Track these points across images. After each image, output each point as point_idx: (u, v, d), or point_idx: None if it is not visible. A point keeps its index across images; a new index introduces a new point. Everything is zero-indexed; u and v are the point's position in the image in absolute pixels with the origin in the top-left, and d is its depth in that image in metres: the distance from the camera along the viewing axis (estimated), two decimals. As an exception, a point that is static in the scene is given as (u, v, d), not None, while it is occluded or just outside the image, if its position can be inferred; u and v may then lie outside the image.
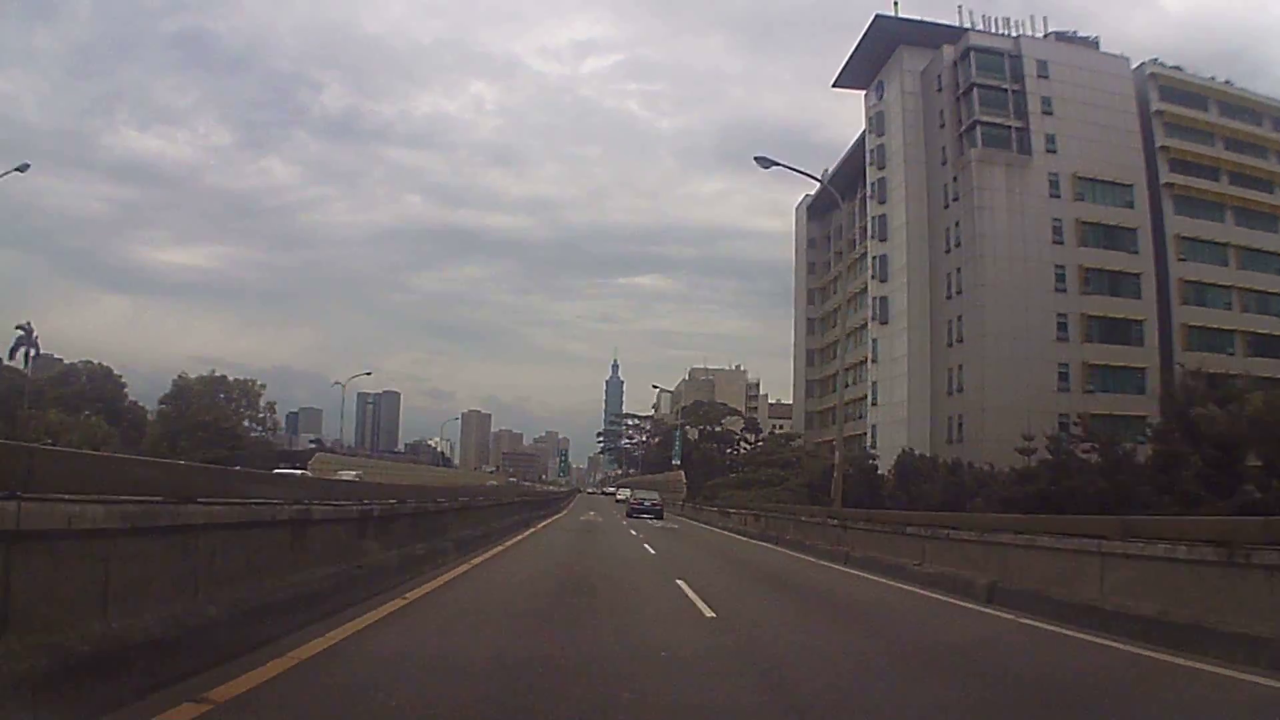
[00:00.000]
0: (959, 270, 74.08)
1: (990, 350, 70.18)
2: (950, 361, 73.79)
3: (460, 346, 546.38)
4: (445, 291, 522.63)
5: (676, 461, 67.56)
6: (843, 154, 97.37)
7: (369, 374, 77.53)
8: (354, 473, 43.74)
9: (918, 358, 75.85)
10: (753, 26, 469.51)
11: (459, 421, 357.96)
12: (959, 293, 73.66)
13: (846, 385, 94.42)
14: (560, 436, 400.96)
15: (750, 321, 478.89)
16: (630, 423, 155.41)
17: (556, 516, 44.25)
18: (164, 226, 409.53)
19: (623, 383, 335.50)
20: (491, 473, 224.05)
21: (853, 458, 58.30)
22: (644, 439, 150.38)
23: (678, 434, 71.04)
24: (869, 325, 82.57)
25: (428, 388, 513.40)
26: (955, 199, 75.65)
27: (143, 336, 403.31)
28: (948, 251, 75.85)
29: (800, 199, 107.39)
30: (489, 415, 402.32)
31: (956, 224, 75.05)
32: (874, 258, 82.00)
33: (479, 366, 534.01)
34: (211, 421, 65.03)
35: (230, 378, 74.08)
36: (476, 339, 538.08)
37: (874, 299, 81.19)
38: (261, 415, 74.28)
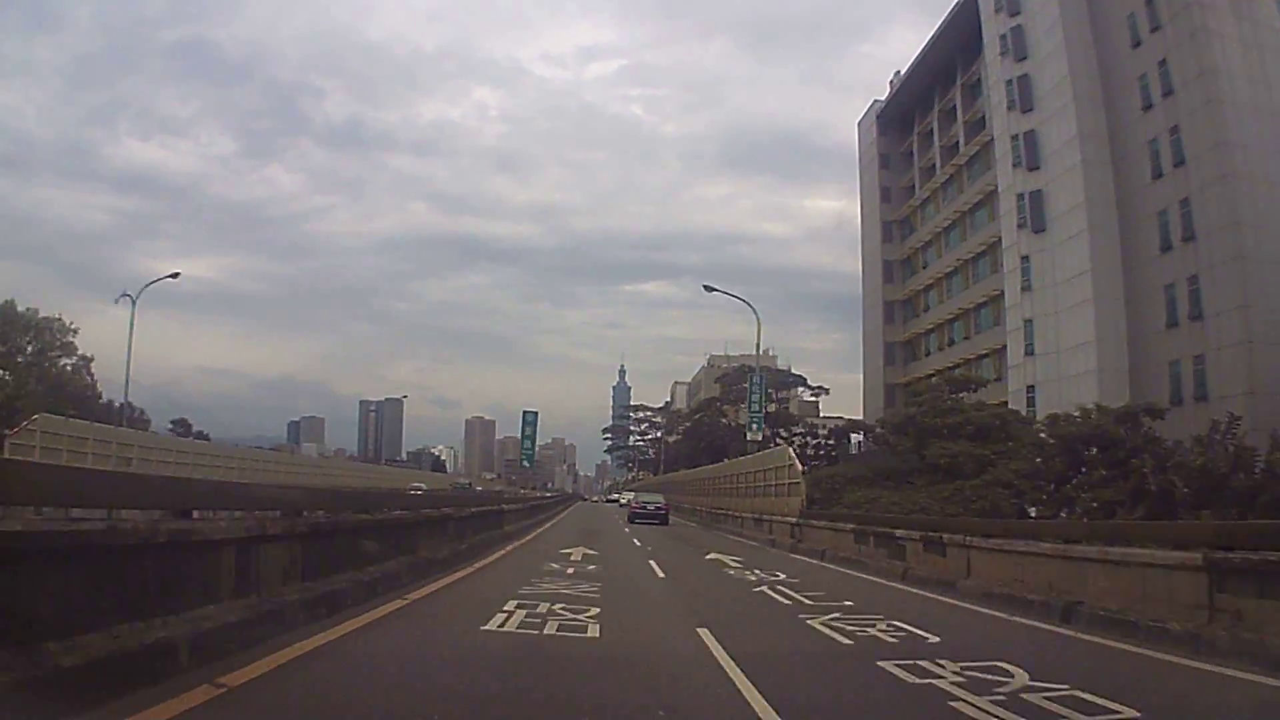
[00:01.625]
0: (1173, 131, 43.67)
1: (1250, 248, 39.74)
2: (1166, 275, 43.23)
3: (466, 355, 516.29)
4: (451, 300, 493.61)
5: (757, 432, 35.36)
6: (917, 53, 67.22)
7: (176, 275, 48.88)
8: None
9: (1105, 276, 45.26)
10: (756, 30, 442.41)
11: (461, 428, 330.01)
12: (1178, 165, 43.19)
13: (947, 342, 63.97)
14: (567, 443, 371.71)
15: (757, 328, 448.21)
16: (641, 415, 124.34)
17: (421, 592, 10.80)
18: (167, 237, 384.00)
19: (630, 389, 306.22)
20: (492, 479, 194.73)
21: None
22: (658, 435, 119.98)
23: (756, 382, 37.97)
24: (1008, 240, 51.93)
25: (433, 396, 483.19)
26: (1155, 29, 45.31)
27: (147, 348, 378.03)
28: (1147, 108, 45.44)
29: (867, 108, 77.10)
30: (493, 422, 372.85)
31: (1161, 63, 44.69)
32: (1014, 137, 51.48)
33: (485, 375, 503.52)
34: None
35: (22, 307, 44.51)
36: (482, 347, 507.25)
37: (1019, 197, 50.55)
38: (63, 367, 44.45)
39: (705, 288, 36.83)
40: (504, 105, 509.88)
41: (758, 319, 37.12)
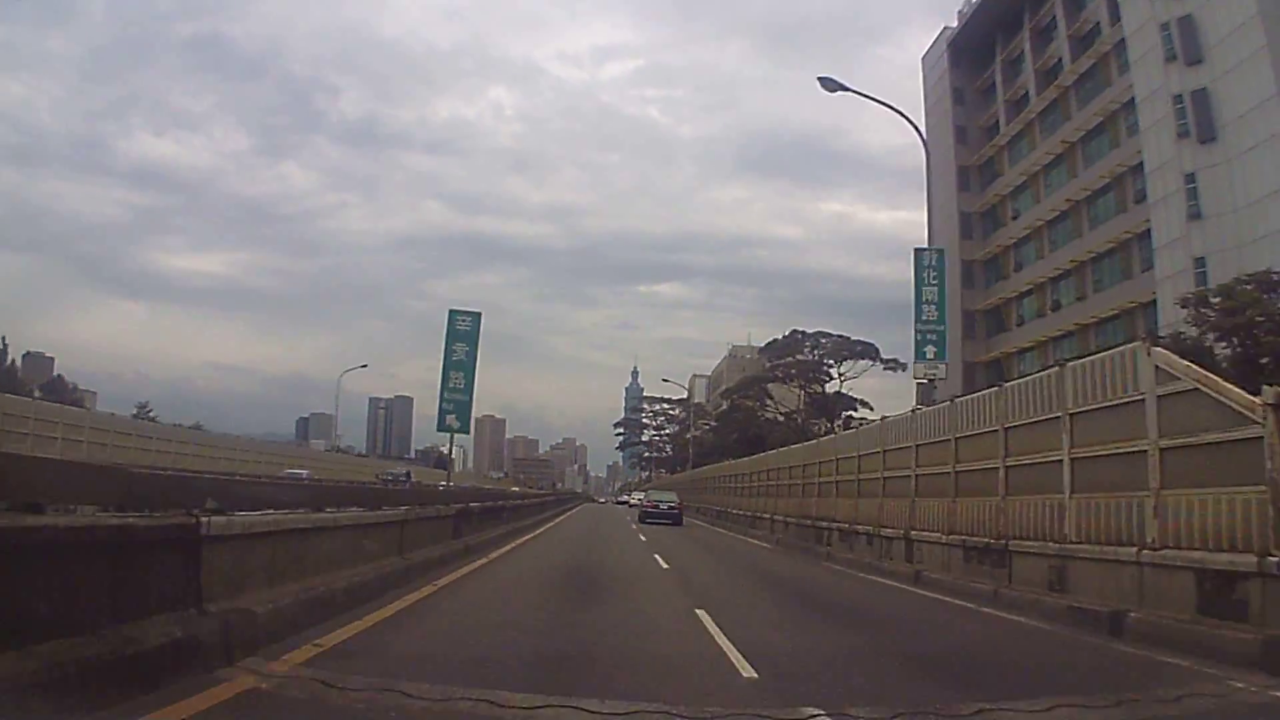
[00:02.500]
0: None
1: None
2: None
3: (478, 354, 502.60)
4: (464, 299, 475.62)
5: (938, 361, 19.96)
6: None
7: None
8: None
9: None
10: (773, 33, 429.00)
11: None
12: None
13: (1049, 306, 50.97)
14: (578, 444, 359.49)
15: (772, 330, 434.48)
16: (657, 408, 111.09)
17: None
18: (180, 232, 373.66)
19: (643, 390, 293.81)
20: (499, 478, 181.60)
21: None
22: (675, 429, 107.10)
23: (931, 264, 22.77)
24: (1157, 159, 38.98)
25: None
26: None
27: (159, 343, 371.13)
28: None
29: (936, 36, 64.10)
30: (503, 421, 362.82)
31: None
32: (1163, 25, 38.50)
33: (497, 374, 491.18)
34: None
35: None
36: (495, 347, 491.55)
37: (1176, 99, 37.58)
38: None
39: (822, 81, 22.59)
40: (520, 105, 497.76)
41: (924, 146, 23.63)
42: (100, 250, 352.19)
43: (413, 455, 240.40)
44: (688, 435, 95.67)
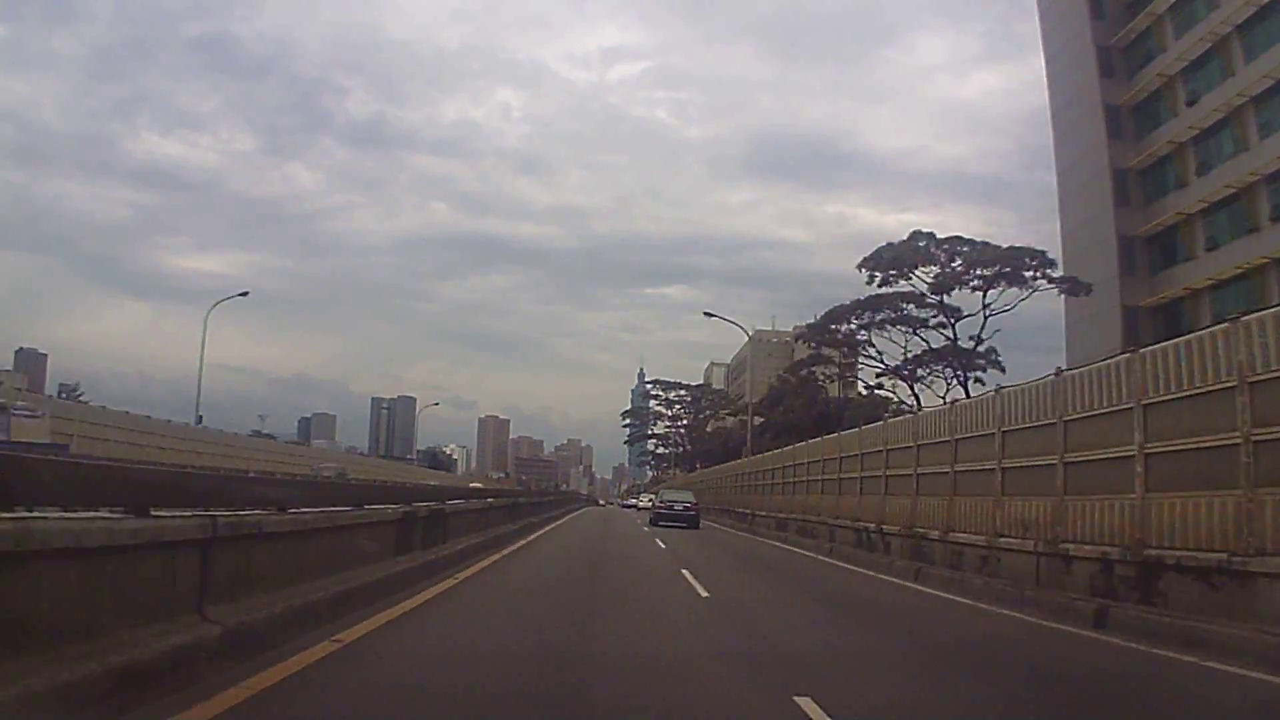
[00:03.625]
0: None
1: None
2: None
3: (484, 356, 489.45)
4: (470, 300, 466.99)
5: None
6: None
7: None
8: None
9: None
10: (782, 34, 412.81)
11: (475, 427, 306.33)
12: None
13: (1269, 217, 34.03)
14: (583, 444, 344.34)
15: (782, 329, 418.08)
16: (673, 395, 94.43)
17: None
18: (186, 232, 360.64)
19: (649, 390, 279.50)
20: (500, 478, 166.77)
21: None
22: (690, 419, 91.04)
23: None
24: None
25: (449, 396, 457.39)
26: None
27: (164, 343, 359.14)
28: None
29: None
30: (507, 421, 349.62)
31: None
32: None
33: (502, 376, 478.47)
34: None
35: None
36: (500, 348, 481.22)
37: None
38: None
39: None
40: (527, 106, 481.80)
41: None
42: (106, 250, 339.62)
43: (414, 456, 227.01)
44: (700, 424, 79.47)
